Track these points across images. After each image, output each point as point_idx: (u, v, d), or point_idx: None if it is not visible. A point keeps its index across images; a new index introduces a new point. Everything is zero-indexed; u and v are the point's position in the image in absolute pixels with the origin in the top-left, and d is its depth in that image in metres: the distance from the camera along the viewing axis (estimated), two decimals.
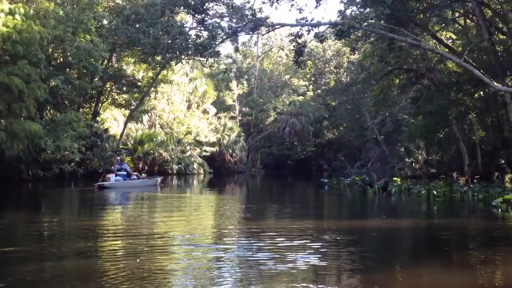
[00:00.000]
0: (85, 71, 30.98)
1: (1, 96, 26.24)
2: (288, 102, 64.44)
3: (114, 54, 38.83)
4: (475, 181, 26.47)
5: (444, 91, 27.46)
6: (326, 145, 68.32)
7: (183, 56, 20.04)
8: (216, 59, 20.96)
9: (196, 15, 18.64)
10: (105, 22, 35.89)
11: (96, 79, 32.12)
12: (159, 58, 39.54)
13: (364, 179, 25.55)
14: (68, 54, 29.82)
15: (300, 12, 19.33)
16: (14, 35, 25.83)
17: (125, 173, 26.32)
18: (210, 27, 17.89)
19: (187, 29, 20.57)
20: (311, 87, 68.16)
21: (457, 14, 31.37)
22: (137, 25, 21.03)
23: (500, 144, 34.06)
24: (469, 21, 33.09)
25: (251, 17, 17.99)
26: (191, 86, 52.41)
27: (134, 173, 28.15)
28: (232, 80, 62.05)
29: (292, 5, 19.62)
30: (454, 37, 36.06)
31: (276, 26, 19.54)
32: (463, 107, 28.01)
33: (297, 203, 20.79)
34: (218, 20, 18.33)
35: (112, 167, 29.92)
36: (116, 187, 24.87)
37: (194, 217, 15.05)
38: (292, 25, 20.19)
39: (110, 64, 38.43)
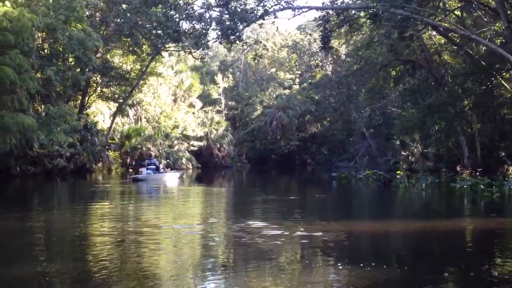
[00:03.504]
0: (77, 61, 29.46)
1: None
2: (275, 95, 63.41)
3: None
4: (477, 173, 26.02)
5: (456, 81, 26.81)
6: (310, 139, 67.58)
7: (206, 41, 18.70)
8: (242, 43, 19.85)
9: None
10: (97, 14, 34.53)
11: (87, 70, 30.60)
12: (147, 48, 38.57)
13: (376, 172, 24.73)
14: (60, 43, 28.23)
15: None
16: (5, 22, 24.29)
17: (154, 167, 29.05)
18: (235, 10, 16.70)
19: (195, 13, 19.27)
20: (297, 80, 67.32)
21: (459, 5, 30.88)
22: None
23: (498, 137, 33.85)
24: (466, 13, 32.75)
25: None
26: (176, 79, 51.02)
27: (161, 167, 31.00)
28: (218, 74, 60.81)
29: None
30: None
31: (303, 10, 18.49)
32: (477, 98, 27.36)
33: (335, 202, 18.04)
34: (242, 2, 17.13)
35: (143, 162, 31.87)
36: (147, 180, 27.14)
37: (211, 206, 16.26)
38: (319, 8, 19.13)
39: (98, 55, 36.84)
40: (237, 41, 18.67)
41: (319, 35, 19.80)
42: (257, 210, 14.49)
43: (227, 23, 16.89)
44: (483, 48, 32.13)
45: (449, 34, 33.38)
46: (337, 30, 24.82)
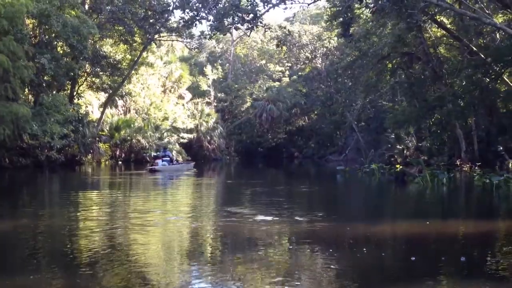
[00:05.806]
0: (71, 49, 28.42)
1: None
2: (265, 88, 62.61)
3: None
4: (476, 168, 25.72)
5: (460, 74, 26.46)
6: (297, 132, 67.13)
7: (228, 25, 17.91)
8: (265, 28, 19.13)
9: None
10: None
11: (81, 59, 29.60)
12: (138, 37, 37.64)
13: (381, 166, 24.27)
14: (54, 30, 27.16)
15: None
16: None
17: (168, 158, 31.40)
18: None
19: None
20: (287, 72, 66.62)
21: None
22: None
23: (495, 131, 33.65)
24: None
25: None
26: (166, 70, 50.04)
27: (175, 159, 33.80)
28: (207, 65, 59.88)
29: None
30: (446, 21, 35.32)
31: None
32: (482, 92, 27.03)
33: (359, 200, 17.10)
34: None
35: (158, 154, 34.11)
36: (163, 171, 28.86)
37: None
38: None
39: (89, 44, 35.75)
40: (255, 27, 17.98)
41: (339, 22, 19.25)
42: (269, 204, 13.97)
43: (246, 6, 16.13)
44: (483, 42, 32.04)
45: (448, 27, 33.22)
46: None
